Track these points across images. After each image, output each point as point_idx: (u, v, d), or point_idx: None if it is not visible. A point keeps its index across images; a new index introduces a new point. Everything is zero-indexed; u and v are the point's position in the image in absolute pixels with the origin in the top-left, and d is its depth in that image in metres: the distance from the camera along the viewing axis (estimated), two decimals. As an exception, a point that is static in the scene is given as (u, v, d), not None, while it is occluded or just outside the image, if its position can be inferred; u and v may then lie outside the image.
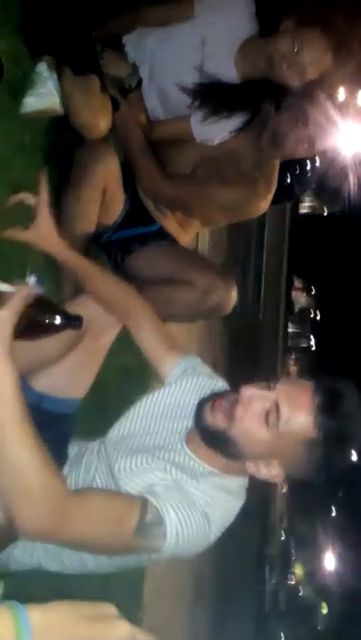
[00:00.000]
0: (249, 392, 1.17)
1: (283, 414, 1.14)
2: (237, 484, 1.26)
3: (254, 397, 1.16)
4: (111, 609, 0.69)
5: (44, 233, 1.36)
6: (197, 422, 1.23)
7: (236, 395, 1.19)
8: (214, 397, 1.23)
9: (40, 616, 0.64)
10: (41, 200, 1.34)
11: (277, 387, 1.17)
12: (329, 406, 1.14)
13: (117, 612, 0.69)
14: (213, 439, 1.21)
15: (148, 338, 1.44)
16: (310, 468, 1.17)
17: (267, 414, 1.15)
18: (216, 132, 2.04)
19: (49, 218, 1.36)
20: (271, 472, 1.20)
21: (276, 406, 1.15)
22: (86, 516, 1.05)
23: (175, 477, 1.20)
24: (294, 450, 1.16)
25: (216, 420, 1.19)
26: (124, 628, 0.68)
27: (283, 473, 1.20)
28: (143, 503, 1.12)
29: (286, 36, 1.86)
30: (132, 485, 1.20)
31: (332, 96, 1.93)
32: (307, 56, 1.83)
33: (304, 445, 1.15)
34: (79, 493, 1.14)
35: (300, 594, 21.44)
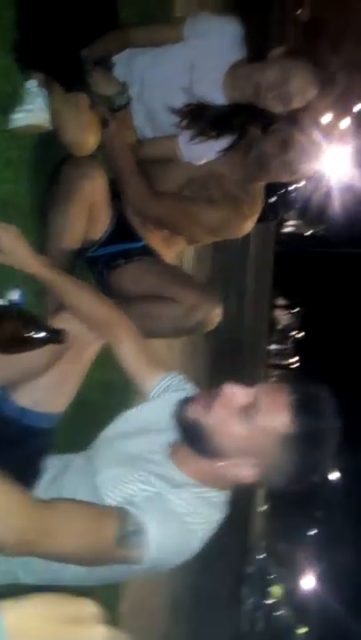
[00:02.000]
0: (231, 387, 1.20)
1: (260, 409, 1.16)
2: (217, 497, 1.26)
3: (235, 392, 1.19)
4: (91, 608, 0.67)
5: (6, 249, 1.35)
6: (176, 417, 1.23)
7: (218, 390, 1.21)
8: (194, 395, 1.26)
9: (15, 617, 0.62)
10: None
11: (257, 386, 1.21)
12: (305, 404, 1.16)
13: (97, 611, 0.67)
14: (191, 433, 1.21)
15: (130, 353, 1.44)
16: (285, 468, 1.18)
17: (245, 409, 1.17)
18: (203, 151, 2.07)
19: (8, 234, 1.35)
20: (244, 472, 1.20)
21: (255, 402, 1.17)
22: (62, 526, 1.05)
23: (157, 488, 1.20)
24: (270, 446, 1.17)
25: (194, 410, 1.20)
26: (101, 633, 0.66)
27: (256, 474, 1.20)
28: (123, 513, 1.12)
29: (273, 66, 1.89)
30: (113, 497, 1.20)
31: (317, 123, 1.98)
32: (292, 86, 1.86)
33: (280, 442, 1.16)
34: (52, 504, 1.13)
35: (278, 613, 21.28)
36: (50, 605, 0.65)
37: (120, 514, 1.12)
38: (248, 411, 1.17)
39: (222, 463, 1.21)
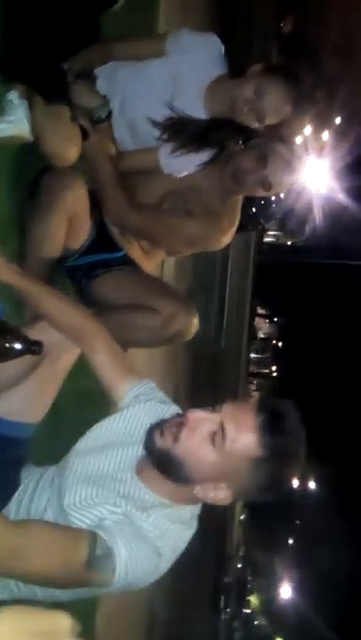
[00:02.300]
0: (195, 415, 1.20)
1: (228, 435, 1.17)
2: (189, 513, 1.27)
3: (200, 420, 1.19)
4: (64, 621, 0.67)
5: None
6: (147, 448, 1.24)
7: (183, 418, 1.21)
8: (162, 423, 1.24)
9: None
10: None
11: (223, 409, 1.20)
12: (272, 424, 1.17)
13: (70, 624, 0.67)
14: (162, 463, 1.22)
15: (103, 362, 1.44)
16: (257, 486, 1.20)
17: (212, 436, 1.18)
18: (184, 164, 2.09)
19: None
20: (219, 495, 1.21)
21: (222, 428, 1.17)
22: (33, 548, 1.05)
23: (125, 511, 1.20)
24: (241, 469, 1.18)
25: (163, 442, 1.20)
26: None
27: (231, 495, 1.21)
28: (92, 537, 1.12)
29: (250, 82, 1.94)
30: (82, 519, 1.20)
31: (296, 138, 2.02)
32: (266, 103, 1.92)
33: (250, 464, 1.17)
34: (23, 525, 1.13)
35: (256, 623, 21.26)
36: (22, 619, 0.65)
37: (89, 537, 1.12)
38: (216, 437, 1.17)
39: (194, 487, 1.22)
